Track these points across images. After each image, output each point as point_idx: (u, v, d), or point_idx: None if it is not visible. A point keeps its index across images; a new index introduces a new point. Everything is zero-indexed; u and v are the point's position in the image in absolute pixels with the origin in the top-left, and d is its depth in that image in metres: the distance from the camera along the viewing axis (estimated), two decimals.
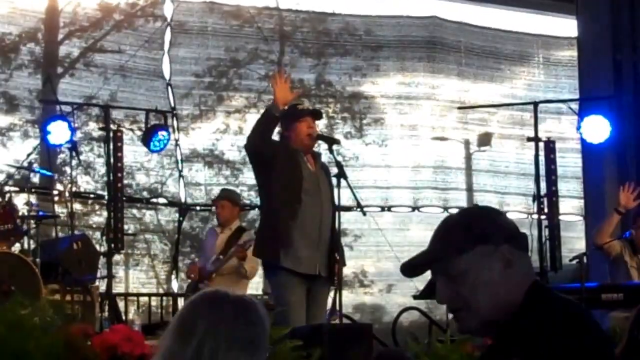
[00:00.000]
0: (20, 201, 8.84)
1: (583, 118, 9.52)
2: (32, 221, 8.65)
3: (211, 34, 13.45)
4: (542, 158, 9.07)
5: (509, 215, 2.45)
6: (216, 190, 9.94)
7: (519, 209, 13.28)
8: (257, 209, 10.59)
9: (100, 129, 9.45)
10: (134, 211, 13.01)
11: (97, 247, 9.23)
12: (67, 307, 7.50)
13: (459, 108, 13.54)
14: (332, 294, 6.95)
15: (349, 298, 13.09)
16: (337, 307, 6.79)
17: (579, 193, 13.04)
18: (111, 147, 8.75)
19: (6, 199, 8.52)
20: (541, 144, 9.10)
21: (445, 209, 13.51)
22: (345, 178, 6.75)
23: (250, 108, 13.42)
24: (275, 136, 7.04)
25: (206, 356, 2.33)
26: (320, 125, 8.02)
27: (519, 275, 2.34)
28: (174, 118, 12.35)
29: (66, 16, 13.04)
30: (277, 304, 6.70)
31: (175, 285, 11.62)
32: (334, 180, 6.82)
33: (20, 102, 12.60)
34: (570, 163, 13.27)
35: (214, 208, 9.68)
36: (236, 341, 2.36)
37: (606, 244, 8.51)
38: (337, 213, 6.79)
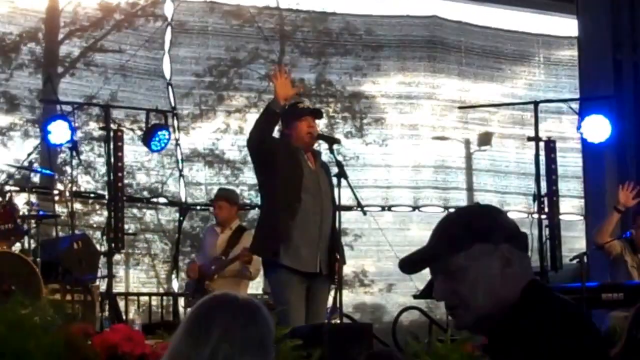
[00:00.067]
0: (21, 201, 8.85)
1: (583, 118, 9.52)
2: (32, 221, 8.66)
3: (211, 34, 13.45)
4: (542, 158, 9.07)
5: (510, 215, 2.44)
6: (217, 190, 9.94)
7: (519, 209, 13.29)
8: (257, 209, 10.59)
9: (100, 128, 9.46)
10: (135, 211, 13.01)
11: (98, 246, 9.23)
12: (67, 307, 7.51)
13: (460, 108, 13.54)
14: (332, 293, 6.96)
15: (349, 297, 13.09)
16: (338, 306, 6.79)
17: (580, 192, 13.04)
18: (111, 146, 8.76)
19: (7, 198, 8.53)
20: (542, 144, 9.10)
21: (446, 208, 13.51)
22: (346, 177, 6.75)
23: (250, 108, 13.42)
24: (276, 134, 7.05)
25: None
26: (321, 124, 8.03)
27: (517, 274, 2.33)
28: (175, 118, 12.36)
29: (67, 16, 13.04)
30: (277, 302, 6.70)
31: (175, 285, 11.62)
32: (335, 180, 6.83)
33: (21, 101, 12.60)
34: (570, 163, 13.27)
35: (212, 209, 9.68)
36: (249, 344, 2.38)
37: (607, 243, 8.52)
38: (337, 212, 6.80)
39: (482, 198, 13.78)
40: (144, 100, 12.43)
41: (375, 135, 14.05)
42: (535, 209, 8.88)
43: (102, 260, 8.97)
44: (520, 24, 14.44)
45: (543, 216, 8.92)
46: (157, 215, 13.39)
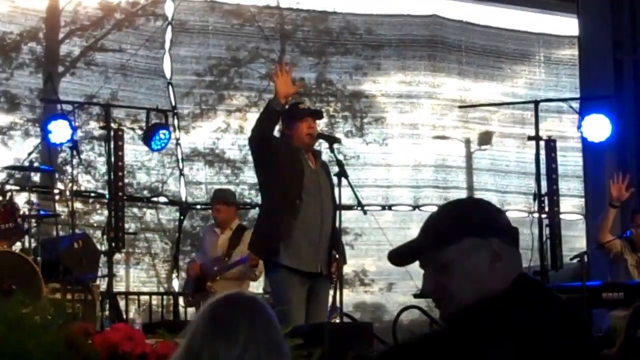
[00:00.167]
0: (21, 200, 8.84)
1: (584, 117, 9.51)
2: (33, 220, 8.66)
3: (212, 33, 13.45)
4: (542, 157, 9.06)
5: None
6: (213, 191, 9.94)
7: (519, 208, 13.29)
8: (257, 208, 10.59)
9: (101, 127, 9.44)
10: (135, 210, 13.02)
11: (98, 246, 9.22)
12: (68, 306, 7.52)
13: (460, 107, 13.53)
14: (332, 292, 6.96)
15: (350, 297, 13.09)
16: (338, 306, 6.79)
17: (580, 192, 13.05)
18: (112, 146, 8.75)
19: (7, 198, 8.53)
20: (542, 143, 9.09)
21: None
22: (346, 177, 6.76)
23: (251, 107, 13.42)
24: (277, 133, 7.05)
25: None
26: (321, 124, 8.04)
27: (506, 269, 2.31)
28: (175, 117, 12.36)
29: (67, 15, 13.04)
30: (277, 301, 6.70)
31: (176, 284, 11.62)
32: (335, 179, 6.83)
33: (21, 101, 12.60)
34: (571, 162, 13.27)
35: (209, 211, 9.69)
36: (272, 345, 2.39)
37: (607, 242, 8.51)
38: (337, 212, 6.80)
39: (482, 197, 13.76)
40: (145, 100, 12.43)
41: (375, 134, 14.04)
42: (536, 208, 8.87)
43: (103, 259, 8.96)
44: (521, 23, 14.43)
45: (543, 215, 8.91)
46: (157, 214, 13.40)
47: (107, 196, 9.15)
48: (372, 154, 13.91)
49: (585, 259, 8.09)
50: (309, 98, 13.12)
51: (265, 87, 13.01)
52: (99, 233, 9.94)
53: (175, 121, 12.44)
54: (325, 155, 7.27)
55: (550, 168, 9.07)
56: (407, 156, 14.03)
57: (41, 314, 5.52)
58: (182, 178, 12.97)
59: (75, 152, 9.24)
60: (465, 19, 14.19)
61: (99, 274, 9.01)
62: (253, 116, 8.74)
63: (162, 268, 13.34)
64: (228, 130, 13.61)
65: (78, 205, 11.53)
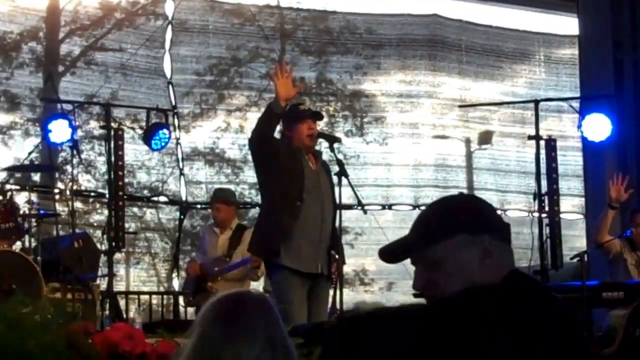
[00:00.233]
0: (21, 199, 8.84)
1: (584, 116, 9.51)
2: (33, 219, 8.65)
3: (212, 33, 13.46)
4: (543, 156, 9.05)
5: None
6: (213, 191, 9.94)
7: (519, 207, 13.29)
8: (258, 208, 10.59)
9: (101, 127, 9.43)
10: (135, 209, 13.02)
11: (98, 245, 9.21)
12: (68, 306, 7.52)
13: (460, 106, 13.53)
14: (331, 292, 6.96)
15: (350, 296, 13.09)
16: (338, 307, 6.79)
17: (580, 191, 13.04)
18: (112, 145, 8.74)
19: (7, 197, 8.53)
20: (542, 142, 9.08)
21: None
22: (346, 176, 6.76)
23: (251, 106, 13.42)
24: (277, 134, 7.05)
25: None
26: (321, 123, 8.03)
27: (497, 265, 2.30)
28: (175, 116, 12.36)
29: (67, 15, 13.04)
30: (278, 301, 6.70)
31: (176, 284, 11.62)
32: (335, 179, 6.83)
33: (22, 100, 12.60)
34: (571, 161, 13.27)
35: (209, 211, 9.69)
36: (285, 345, 2.40)
37: (606, 242, 8.51)
38: (337, 212, 6.81)
39: (482, 197, 13.70)
40: (145, 99, 12.43)
41: (375, 133, 14.05)
42: (536, 208, 8.87)
43: (103, 259, 8.96)
44: (521, 23, 14.43)
45: (543, 215, 8.90)
46: (157, 214, 13.40)
47: (107, 196, 9.14)
48: (372, 153, 13.91)
49: (585, 259, 8.09)
50: (309, 97, 13.14)
51: (266, 86, 13.01)
52: (99, 232, 9.93)
53: (176, 121, 12.44)
54: (326, 155, 7.27)
55: (551, 167, 9.06)
56: (407, 155, 14.03)
57: (41, 313, 5.52)
58: (182, 177, 12.97)
59: (75, 152, 9.24)
60: (466, 18, 14.20)
61: (99, 273, 9.01)
62: (253, 115, 8.76)
63: (162, 267, 13.35)
64: (228, 130, 13.61)
65: (78, 204, 11.53)
